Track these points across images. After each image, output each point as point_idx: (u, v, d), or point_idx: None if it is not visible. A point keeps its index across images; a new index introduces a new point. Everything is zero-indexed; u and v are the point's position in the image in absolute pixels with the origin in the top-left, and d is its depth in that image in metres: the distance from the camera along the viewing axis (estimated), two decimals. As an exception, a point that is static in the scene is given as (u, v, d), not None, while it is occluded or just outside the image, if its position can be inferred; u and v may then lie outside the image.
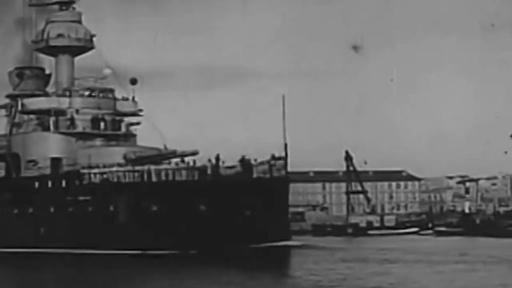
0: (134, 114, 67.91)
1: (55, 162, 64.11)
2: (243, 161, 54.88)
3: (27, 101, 67.01)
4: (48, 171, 63.83)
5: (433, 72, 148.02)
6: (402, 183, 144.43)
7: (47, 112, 65.78)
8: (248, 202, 53.83)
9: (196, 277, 42.63)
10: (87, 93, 66.24)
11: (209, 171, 55.81)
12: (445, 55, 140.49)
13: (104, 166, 59.71)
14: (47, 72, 72.68)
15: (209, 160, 56.29)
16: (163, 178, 57.06)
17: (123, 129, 66.73)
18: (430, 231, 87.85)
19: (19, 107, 67.07)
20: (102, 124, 65.13)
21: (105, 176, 59.15)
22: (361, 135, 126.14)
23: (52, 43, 67.89)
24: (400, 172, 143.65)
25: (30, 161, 65.04)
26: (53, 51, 68.63)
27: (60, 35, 67.78)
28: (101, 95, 66.34)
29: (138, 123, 67.83)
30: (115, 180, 58.70)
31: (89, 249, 56.79)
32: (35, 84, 71.46)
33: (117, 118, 66.55)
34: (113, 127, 65.76)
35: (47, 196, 61.98)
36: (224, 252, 52.29)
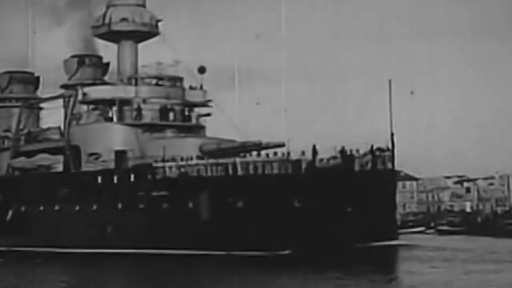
0: (203, 104, 63.16)
1: (120, 155, 59.47)
2: (343, 153, 50.08)
3: (89, 90, 62.14)
4: (112, 165, 59.19)
5: (432, 71, 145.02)
6: (400, 183, 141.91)
7: (111, 101, 61.02)
8: (350, 198, 49.16)
9: (285, 281, 38.88)
10: (154, 81, 61.63)
11: (303, 164, 51.09)
12: (446, 53, 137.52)
13: (182, 159, 54.98)
14: (104, 60, 68.45)
15: (303, 152, 51.57)
16: (251, 171, 52.34)
17: (193, 120, 62.08)
18: (432, 230, 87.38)
19: (80, 97, 62.27)
20: (171, 115, 60.45)
21: (182, 169, 54.43)
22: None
23: (115, 28, 63.07)
24: (397, 172, 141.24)
25: (92, 154, 60.38)
26: (116, 36, 63.75)
27: (123, 19, 63.04)
28: (169, 83, 61.67)
29: (208, 114, 63.16)
30: (195, 174, 54.03)
31: (164, 250, 52.02)
32: (93, 73, 67.33)
33: (187, 108, 61.84)
34: (183, 118, 61.07)
35: (114, 192, 57.18)
36: (322, 252, 47.62)
